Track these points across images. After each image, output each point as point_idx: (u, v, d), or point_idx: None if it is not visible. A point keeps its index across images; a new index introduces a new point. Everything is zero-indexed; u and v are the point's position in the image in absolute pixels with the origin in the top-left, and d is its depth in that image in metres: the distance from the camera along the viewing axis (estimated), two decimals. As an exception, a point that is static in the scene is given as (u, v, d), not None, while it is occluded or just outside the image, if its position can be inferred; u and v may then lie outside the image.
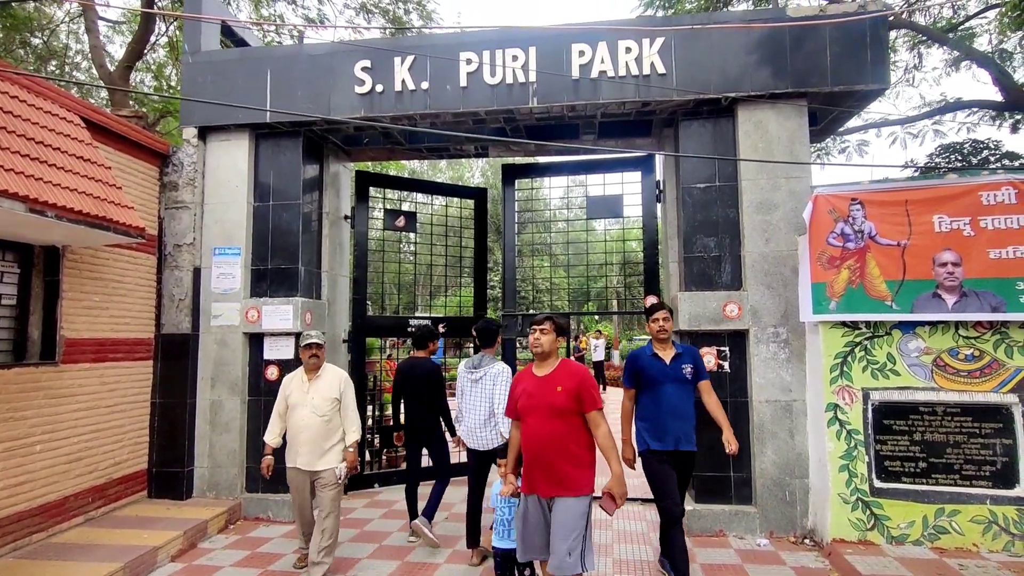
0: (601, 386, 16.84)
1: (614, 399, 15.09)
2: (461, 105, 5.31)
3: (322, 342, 4.24)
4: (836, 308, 4.45)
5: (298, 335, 5.56)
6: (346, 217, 6.60)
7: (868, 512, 4.33)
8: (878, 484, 4.33)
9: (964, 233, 4.27)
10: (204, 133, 5.76)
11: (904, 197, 4.37)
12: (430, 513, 4.80)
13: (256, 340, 5.61)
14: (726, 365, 5.05)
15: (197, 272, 5.64)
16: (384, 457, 7.16)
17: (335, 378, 4.27)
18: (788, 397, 4.84)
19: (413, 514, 4.88)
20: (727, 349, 5.06)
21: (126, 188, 5.26)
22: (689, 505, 4.95)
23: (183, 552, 4.52)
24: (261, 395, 5.53)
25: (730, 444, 3.85)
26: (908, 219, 4.36)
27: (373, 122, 5.48)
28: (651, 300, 5.97)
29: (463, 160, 23.30)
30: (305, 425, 4.08)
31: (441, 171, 21.55)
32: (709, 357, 5.06)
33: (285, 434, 4.27)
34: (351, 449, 4.24)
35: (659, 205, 6.16)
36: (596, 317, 36.58)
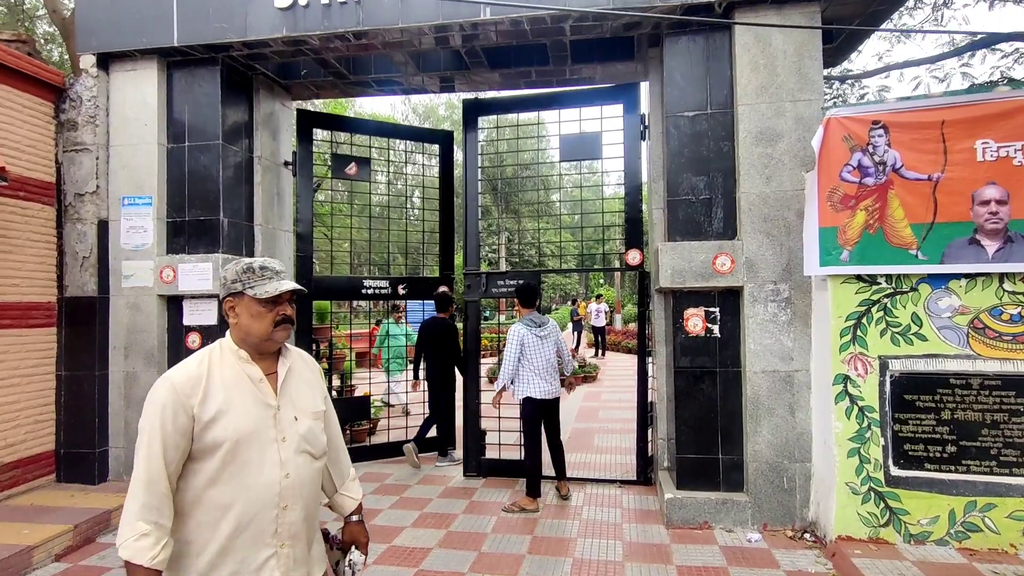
0: (599, 352, 16.13)
1: (616, 364, 14.39)
2: (400, 20, 4.40)
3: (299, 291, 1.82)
4: (849, 259, 3.61)
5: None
6: (286, 163, 5.77)
7: (882, 505, 3.57)
8: (895, 472, 3.56)
9: (1015, 162, 3.38)
10: (106, 62, 4.91)
11: (940, 117, 3.47)
12: (419, 439, 5.83)
13: (174, 303, 4.88)
14: (716, 329, 4.25)
15: (103, 225, 4.87)
16: (348, 432, 6.50)
17: (311, 368, 1.84)
18: (789, 367, 4.05)
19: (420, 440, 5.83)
20: (717, 310, 4.25)
21: (9, 127, 4.46)
22: (669, 492, 4.24)
23: (73, 549, 3.88)
24: (182, 366, 4.82)
25: None
26: (943, 146, 3.47)
27: (298, 45, 4.60)
28: (632, 255, 5.15)
29: (439, 103, 22.12)
30: (279, 493, 1.58)
31: (418, 115, 20.37)
32: (696, 320, 4.26)
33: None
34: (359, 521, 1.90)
35: (644, 144, 5.27)
36: (601, 281, 35.79)
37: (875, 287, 3.63)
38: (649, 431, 5.22)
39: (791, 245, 4.07)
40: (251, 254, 5.26)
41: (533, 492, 4.65)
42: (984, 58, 10.45)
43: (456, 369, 5.89)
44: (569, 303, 23.10)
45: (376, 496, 4.97)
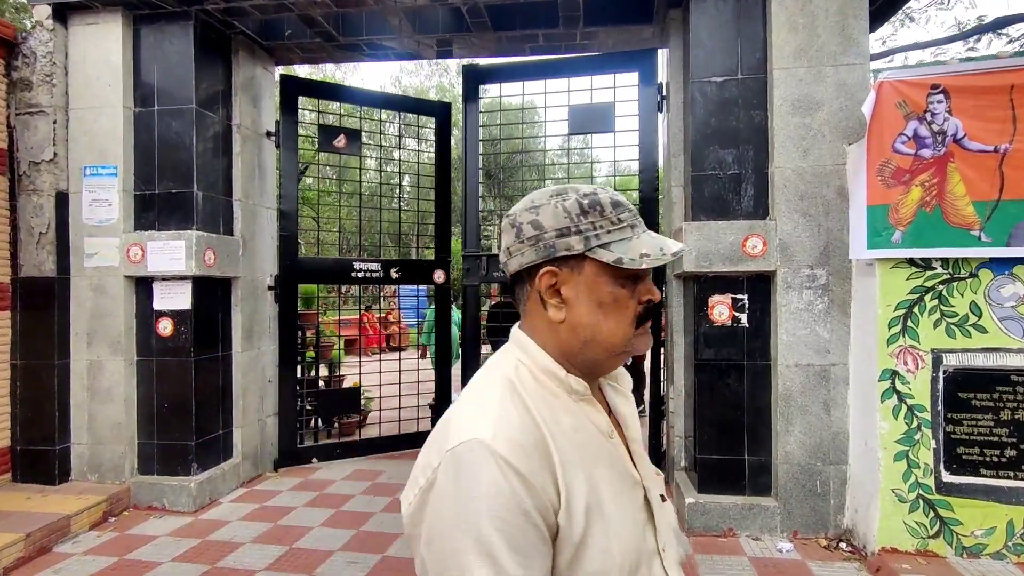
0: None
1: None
2: (396, -32, 3.92)
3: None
4: (902, 240, 3.22)
5: (199, 279, 4.35)
6: (269, 134, 5.27)
7: (932, 514, 3.22)
8: (948, 478, 3.21)
9: (1092, 133, 2.99)
10: (63, 14, 4.38)
11: (1009, 81, 3.07)
12: None
13: (144, 286, 4.41)
14: (743, 318, 3.86)
15: (63, 198, 4.37)
16: (337, 425, 6.09)
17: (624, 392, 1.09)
18: (825, 360, 3.68)
19: None
20: (745, 298, 3.86)
21: (-49, 83, 3.94)
22: (690, 496, 3.87)
23: (25, 560, 3.44)
24: (152, 355, 4.37)
25: None
26: (1012, 113, 3.07)
27: (281, -5, 4.10)
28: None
29: (430, 87, 21.50)
30: None
31: (423, 92, 19.74)
32: (721, 308, 3.87)
33: None
34: None
35: (661, 116, 4.84)
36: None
37: (929, 272, 3.25)
38: (663, 425, 4.85)
39: (829, 226, 3.68)
40: (229, 231, 4.78)
41: None
42: (990, 42, 10.12)
43: None
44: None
45: (367, 497, 4.56)
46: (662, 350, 4.88)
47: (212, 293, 4.58)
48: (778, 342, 3.73)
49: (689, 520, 3.79)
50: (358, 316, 14.52)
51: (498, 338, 7.29)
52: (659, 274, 4.84)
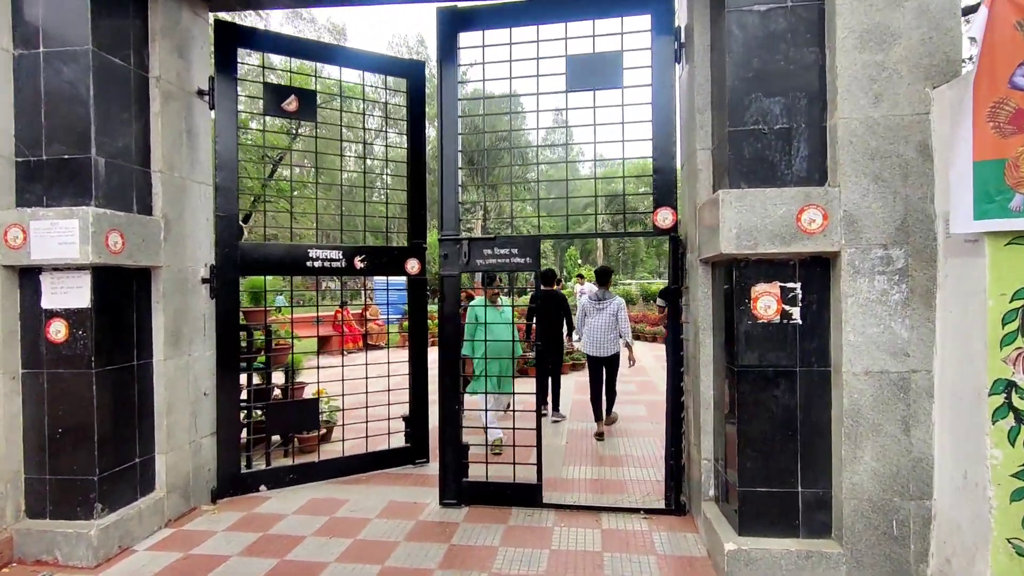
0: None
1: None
2: None
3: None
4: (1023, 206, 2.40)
5: (102, 269, 3.42)
6: (201, 92, 4.32)
7: (1063, 572, 2.42)
8: (1085, 524, 2.41)
9: None
10: (-84, -74, 3.39)
11: None
12: (557, 404, 6.90)
13: (30, 279, 3.46)
14: (795, 313, 3.03)
15: (-81, 166, 3.40)
16: (296, 442, 5.17)
17: None
18: (903, 366, 2.86)
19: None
20: (798, 287, 3.03)
21: None
22: (729, 540, 3.04)
23: None
24: (43, 367, 3.43)
25: None
26: None
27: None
28: (663, 215, 3.91)
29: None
30: None
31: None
32: (768, 300, 3.04)
33: None
34: None
35: (678, 68, 3.99)
36: (580, 261, 34.64)
37: (1060, 250, 2.44)
38: (683, 443, 4.03)
39: (908, 193, 2.86)
40: (146, 209, 3.83)
41: (597, 417, 6.21)
42: None
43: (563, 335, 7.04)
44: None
45: (321, 540, 3.67)
46: (682, 353, 4.04)
47: (123, 287, 3.64)
48: (842, 343, 2.90)
49: (730, 572, 2.96)
50: (333, 313, 13.58)
51: (549, 345, 6.58)
52: (678, 262, 4.00)
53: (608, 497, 4.31)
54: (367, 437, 4.93)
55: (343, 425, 5.03)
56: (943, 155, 2.77)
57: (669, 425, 4.03)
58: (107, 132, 3.51)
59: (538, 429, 4.14)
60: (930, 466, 2.86)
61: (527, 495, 4.14)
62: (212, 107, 4.36)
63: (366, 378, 4.89)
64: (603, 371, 6.24)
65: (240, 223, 4.50)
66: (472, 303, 5.58)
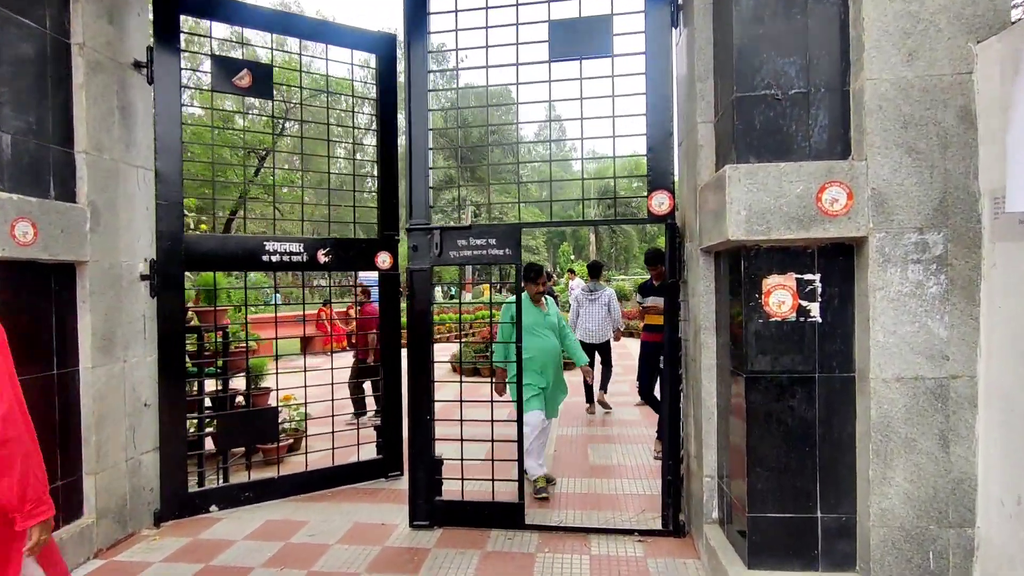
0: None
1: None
2: None
3: None
4: (1098, 179, 1.98)
5: (9, 265, 2.94)
6: (138, 65, 3.83)
7: None
8: None
9: None
10: None
11: None
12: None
13: (-77, 275, 2.97)
14: (814, 310, 2.60)
15: None
16: (262, 454, 4.70)
17: None
18: (941, 371, 2.44)
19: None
20: (817, 278, 2.60)
21: None
22: (736, 573, 2.61)
23: None
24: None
25: None
26: None
27: None
28: (658, 199, 3.47)
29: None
30: None
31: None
32: (782, 295, 2.60)
33: None
34: None
35: (675, 32, 3.55)
36: (572, 257, 34.20)
37: None
38: (681, 455, 3.60)
39: (948, 168, 2.43)
40: (68, 195, 3.35)
41: (588, 399, 7.01)
42: None
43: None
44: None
45: (269, 572, 3.20)
46: (680, 354, 3.61)
47: (38, 286, 3.16)
48: (869, 344, 2.47)
49: (739, 613, 2.53)
50: (316, 311, 13.04)
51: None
52: (675, 252, 3.56)
53: (599, 515, 3.88)
54: (333, 449, 4.47)
55: (306, 436, 4.56)
56: (989, 121, 2.34)
57: (666, 436, 3.60)
58: (14, 104, 3.02)
59: (519, 441, 3.70)
60: (973, 488, 2.44)
61: (508, 515, 3.70)
62: (151, 81, 3.86)
63: (331, 384, 4.43)
64: (595, 355, 6.92)
65: (185, 211, 4.00)
66: (509, 300, 4.49)
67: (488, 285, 8.93)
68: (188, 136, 3.82)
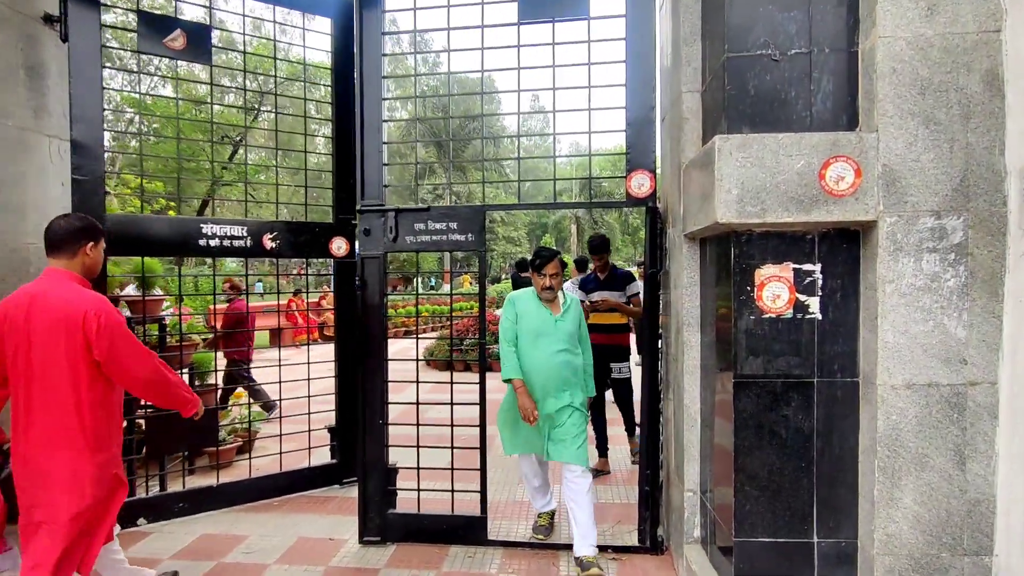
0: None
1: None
2: None
3: None
4: None
5: None
6: (49, 19, 3.35)
7: None
8: None
9: None
10: None
11: None
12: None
13: None
14: (814, 305, 2.26)
15: None
16: (208, 458, 4.28)
17: None
18: (958, 377, 2.11)
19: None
20: (817, 269, 2.26)
21: None
22: (722, 607, 2.28)
23: None
24: None
25: None
26: None
27: None
28: (638, 180, 3.11)
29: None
30: None
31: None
32: (777, 288, 2.26)
33: None
34: None
35: (659, -6, 3.18)
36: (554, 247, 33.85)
37: None
38: (660, 465, 3.27)
39: (970, 141, 2.09)
40: (-45, 168, 2.89)
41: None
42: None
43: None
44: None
45: (191, 601, 2.81)
46: (660, 354, 3.27)
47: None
48: (877, 345, 2.13)
49: (724, 654, 2.20)
50: (288, 302, 12.54)
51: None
52: (656, 239, 3.21)
53: (569, 529, 3.53)
54: (280, 454, 4.07)
55: (251, 439, 4.15)
56: (1020, 87, 2.01)
57: (644, 442, 3.26)
58: None
59: (482, 448, 3.33)
60: (991, 511, 2.13)
61: (469, 530, 3.34)
62: (65, 39, 3.38)
63: (279, 382, 4.02)
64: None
65: (107, 188, 3.54)
66: (513, 295, 3.34)
67: (468, 276, 8.44)
68: (111, 103, 3.35)
